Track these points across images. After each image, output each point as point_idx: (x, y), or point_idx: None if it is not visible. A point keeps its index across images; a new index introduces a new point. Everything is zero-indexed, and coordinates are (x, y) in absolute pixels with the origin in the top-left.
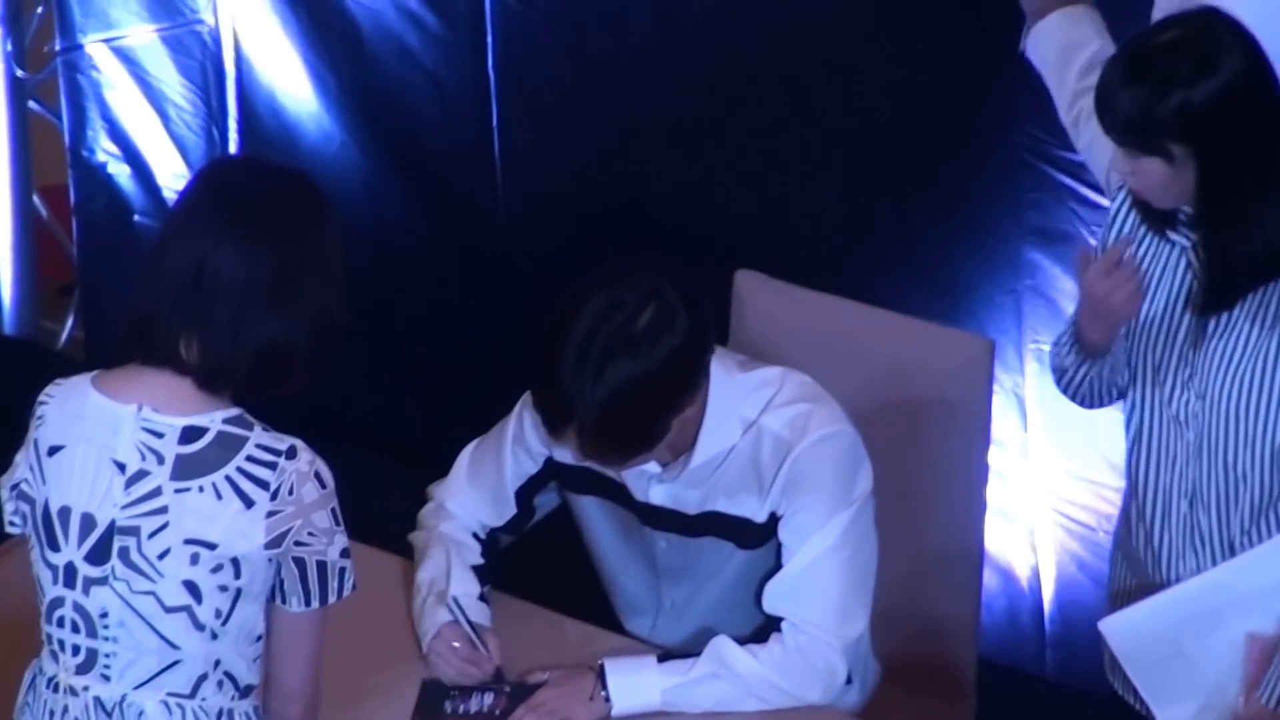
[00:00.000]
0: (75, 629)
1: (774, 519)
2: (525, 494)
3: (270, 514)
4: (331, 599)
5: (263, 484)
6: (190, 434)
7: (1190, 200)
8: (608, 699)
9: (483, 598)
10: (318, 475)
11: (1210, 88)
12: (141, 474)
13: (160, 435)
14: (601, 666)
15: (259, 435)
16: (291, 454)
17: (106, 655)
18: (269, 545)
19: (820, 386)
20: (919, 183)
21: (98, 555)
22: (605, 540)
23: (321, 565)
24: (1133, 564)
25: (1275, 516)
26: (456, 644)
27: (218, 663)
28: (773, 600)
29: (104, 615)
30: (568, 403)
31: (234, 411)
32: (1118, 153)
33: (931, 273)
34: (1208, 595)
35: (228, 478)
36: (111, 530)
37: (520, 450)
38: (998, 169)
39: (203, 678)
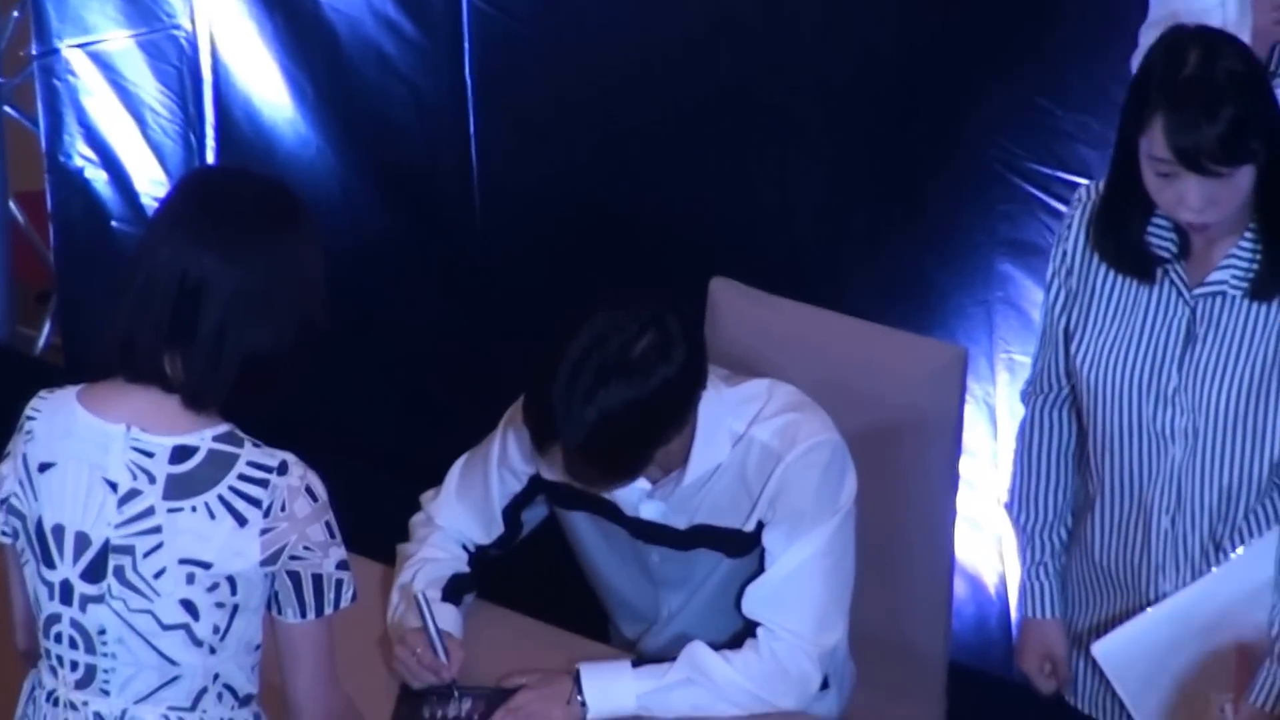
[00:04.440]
0: (74, 645)
1: (760, 526)
2: (512, 511)
3: (264, 531)
4: (329, 610)
5: (255, 502)
6: (181, 453)
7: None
8: (583, 703)
9: (451, 600)
10: (309, 490)
11: (1232, 48)
12: (133, 493)
13: (150, 455)
14: (577, 671)
15: (250, 452)
16: (283, 470)
17: (106, 671)
18: (265, 562)
19: (807, 396)
20: (893, 194)
21: (93, 573)
22: (599, 554)
23: (317, 578)
24: (1097, 585)
25: (1258, 518)
26: (419, 650)
27: (217, 676)
28: (752, 605)
29: (102, 632)
30: (555, 421)
31: (224, 428)
32: (1196, 192)
33: (904, 283)
34: (1194, 608)
35: (220, 497)
36: (106, 549)
37: (505, 470)
38: (970, 181)
39: (203, 691)
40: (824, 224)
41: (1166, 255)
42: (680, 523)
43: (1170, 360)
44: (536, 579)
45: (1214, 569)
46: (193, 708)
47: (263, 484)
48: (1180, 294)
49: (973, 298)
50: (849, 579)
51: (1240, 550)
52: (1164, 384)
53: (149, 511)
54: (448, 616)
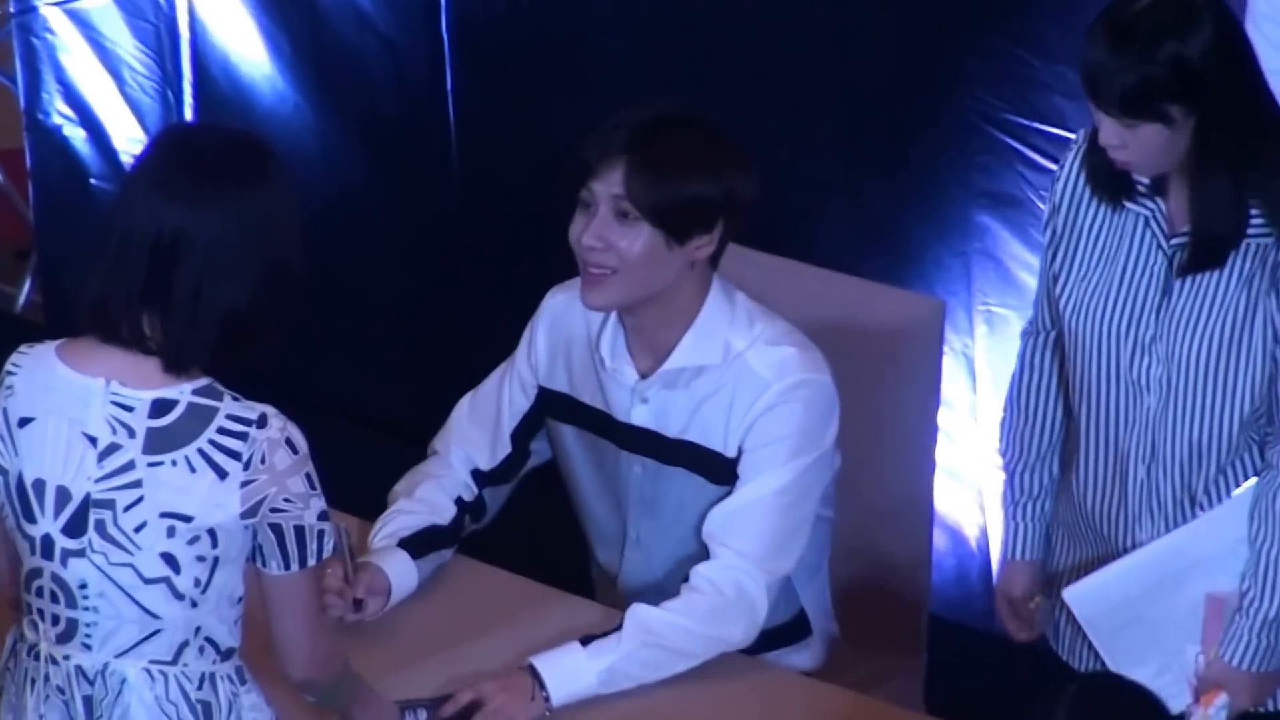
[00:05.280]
0: (55, 599)
1: (740, 453)
2: (521, 436)
3: (244, 484)
4: (311, 561)
5: (235, 455)
6: (160, 407)
7: (1178, 163)
8: (547, 697)
9: (412, 551)
10: (289, 441)
11: (1202, 37)
12: (113, 447)
13: (130, 409)
14: (531, 665)
15: (229, 405)
16: (262, 422)
17: (87, 625)
18: (245, 515)
19: (806, 336)
20: (870, 146)
21: (74, 528)
22: (580, 470)
23: (299, 529)
24: (1080, 531)
25: (1234, 473)
26: (329, 570)
27: (198, 629)
28: (711, 523)
29: (83, 586)
30: (620, 119)
31: (202, 382)
32: (1107, 126)
33: (882, 235)
34: (1168, 560)
35: (200, 450)
36: (87, 503)
37: (515, 386)
38: (948, 133)
39: (184, 645)
40: (802, 177)
41: (1142, 189)
42: (670, 430)
43: (1149, 308)
44: (523, 536)
45: (1189, 521)
46: (174, 661)
47: (242, 437)
48: (1159, 243)
49: (950, 249)
50: (809, 517)
51: (1217, 506)
52: (1141, 332)
53: (129, 465)
54: (398, 563)
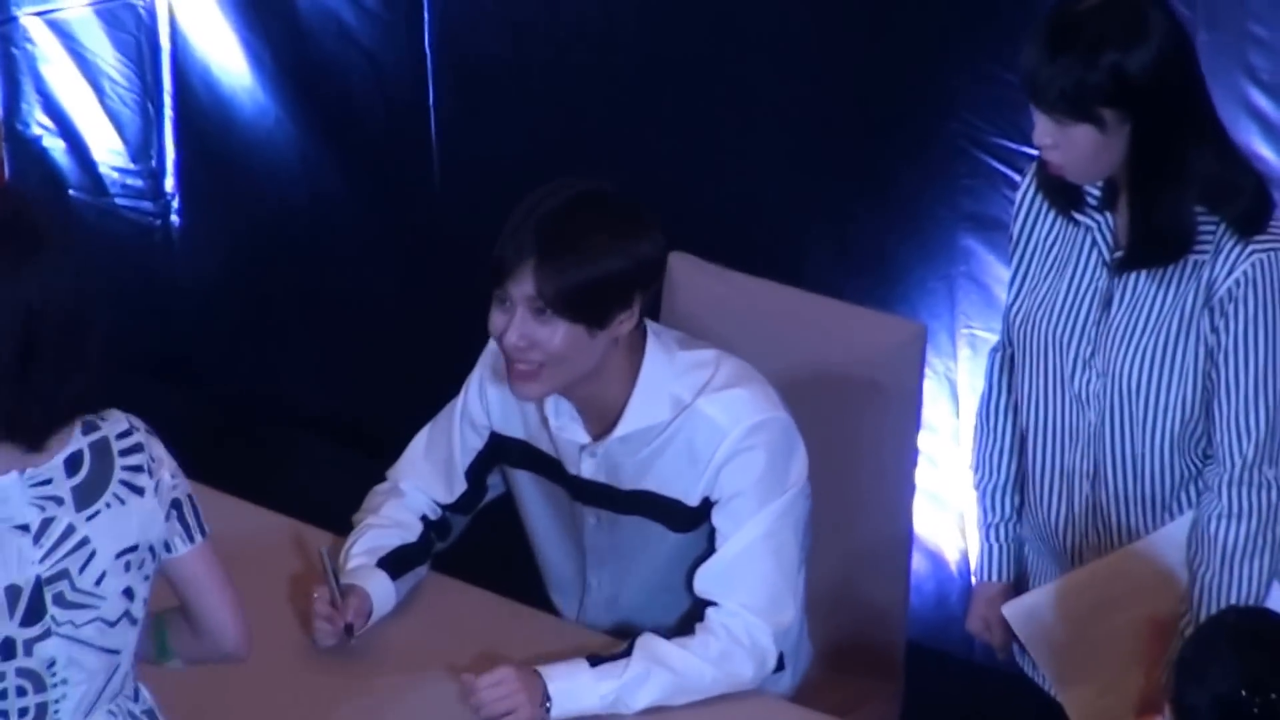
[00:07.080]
0: (21, 693)
1: (707, 503)
2: (475, 472)
3: (156, 488)
4: (206, 530)
5: (140, 468)
6: (72, 463)
7: (1113, 171)
8: (549, 708)
9: (389, 570)
10: (144, 426)
11: (1145, 51)
12: (47, 522)
13: (48, 481)
14: (538, 673)
15: (107, 427)
16: (131, 425)
17: (56, 701)
18: (167, 516)
19: (755, 370)
20: (855, 168)
21: (32, 616)
22: (536, 516)
23: (190, 498)
24: (1042, 547)
25: (1178, 507)
26: (315, 595)
27: (133, 648)
28: (704, 584)
29: (51, 665)
30: (529, 212)
31: (81, 420)
32: (1041, 125)
33: (866, 257)
34: (1109, 579)
35: (121, 482)
36: (39, 587)
37: (467, 426)
38: (934, 155)
39: (130, 669)
40: (784, 198)
41: (1092, 202)
42: (623, 483)
43: (1089, 322)
44: (502, 555)
45: (1132, 543)
46: (122, 690)
47: (136, 450)
48: (1102, 256)
49: (934, 272)
50: (798, 558)
51: (1160, 528)
52: (1082, 346)
53: (69, 531)
54: (378, 584)
